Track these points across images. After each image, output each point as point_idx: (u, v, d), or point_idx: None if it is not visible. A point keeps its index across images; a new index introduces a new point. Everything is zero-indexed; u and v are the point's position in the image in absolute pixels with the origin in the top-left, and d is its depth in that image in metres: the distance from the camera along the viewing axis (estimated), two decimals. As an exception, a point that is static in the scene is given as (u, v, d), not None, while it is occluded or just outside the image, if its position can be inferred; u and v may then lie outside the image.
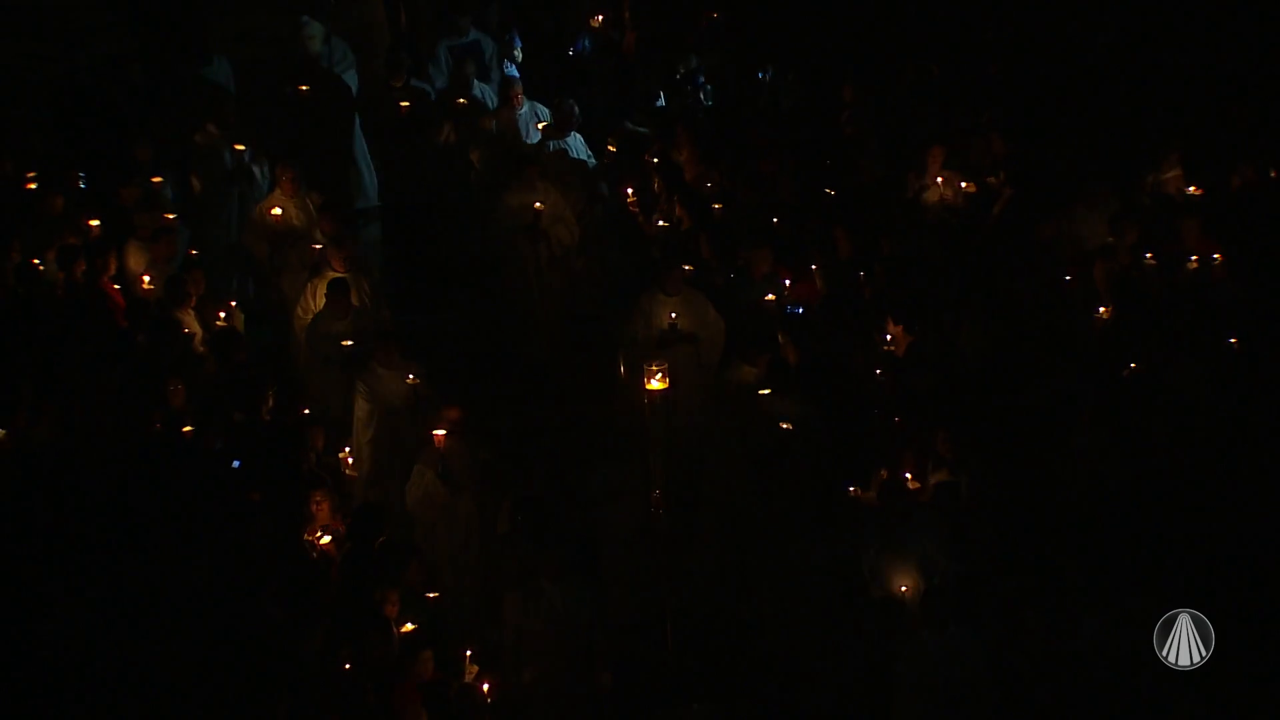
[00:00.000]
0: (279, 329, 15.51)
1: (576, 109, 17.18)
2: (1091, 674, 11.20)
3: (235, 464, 12.74)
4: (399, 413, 13.70)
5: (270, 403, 13.47)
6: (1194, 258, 14.58)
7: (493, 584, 12.82)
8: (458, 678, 11.51)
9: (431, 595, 12.17)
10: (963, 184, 16.09)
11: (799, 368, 13.85)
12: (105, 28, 18.06)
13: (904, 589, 12.03)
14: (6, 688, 11.06)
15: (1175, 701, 10.95)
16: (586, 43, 19.32)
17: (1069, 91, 17.84)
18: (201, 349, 14.17)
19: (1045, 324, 14.28)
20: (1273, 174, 15.81)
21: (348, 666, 11.17)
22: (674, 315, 14.32)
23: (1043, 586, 11.62)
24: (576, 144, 17.08)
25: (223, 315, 14.52)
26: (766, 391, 13.52)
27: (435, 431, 13.06)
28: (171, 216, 15.57)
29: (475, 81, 17.76)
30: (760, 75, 18.78)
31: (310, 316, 14.77)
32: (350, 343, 14.18)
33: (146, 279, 14.75)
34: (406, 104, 17.33)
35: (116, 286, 14.71)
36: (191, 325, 14.29)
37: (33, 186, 15.34)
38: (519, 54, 18.86)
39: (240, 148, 16.25)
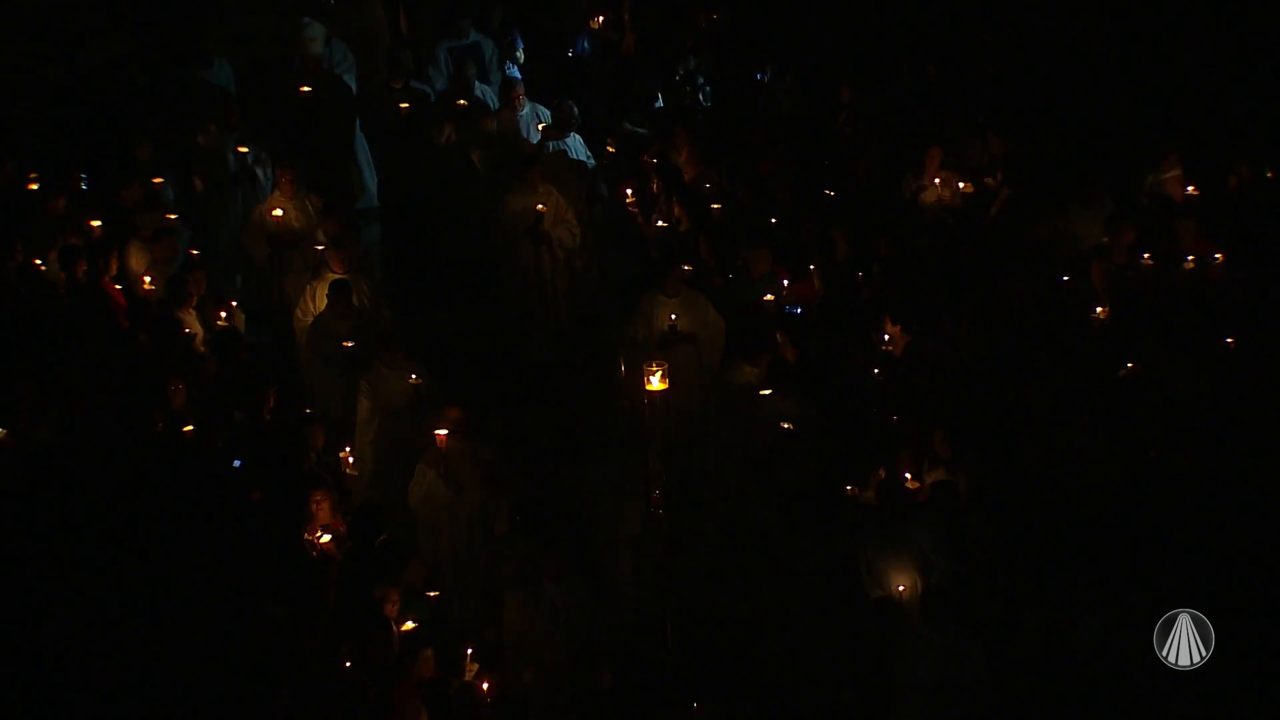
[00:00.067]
0: (279, 329, 15.53)
1: (576, 110, 17.20)
2: (1089, 673, 11.22)
3: (236, 463, 12.77)
4: (401, 412, 13.75)
5: (271, 402, 13.51)
6: (1190, 258, 14.64)
7: (494, 583, 12.84)
8: (458, 676, 11.52)
9: (432, 594, 12.21)
10: (960, 184, 16.13)
11: (797, 367, 13.90)
12: (107, 29, 18.05)
13: (901, 588, 12.07)
14: (9, 686, 11.10)
15: (1174, 701, 10.98)
16: (585, 44, 19.33)
17: (1066, 92, 17.86)
18: (203, 349, 14.20)
19: (1042, 324, 14.31)
20: (1269, 174, 15.86)
21: (348, 665, 11.18)
22: (674, 316, 14.36)
23: (1040, 586, 11.64)
24: (576, 145, 17.09)
25: (224, 315, 14.56)
26: (768, 392, 13.58)
27: (437, 431, 13.11)
28: (173, 217, 15.61)
29: (476, 83, 17.79)
30: (758, 76, 18.78)
31: (310, 318, 14.80)
32: (351, 343, 14.23)
33: (148, 279, 14.77)
34: (406, 105, 17.36)
35: (118, 287, 14.72)
36: (193, 325, 14.32)
37: (34, 187, 15.35)
38: (521, 55, 18.87)
39: (244, 149, 16.31)
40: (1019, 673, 11.37)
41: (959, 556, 12.15)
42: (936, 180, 16.13)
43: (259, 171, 16.35)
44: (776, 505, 12.62)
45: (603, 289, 16.44)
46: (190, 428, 12.98)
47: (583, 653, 12.22)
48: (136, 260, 15.05)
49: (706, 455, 14.15)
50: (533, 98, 17.54)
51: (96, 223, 15.08)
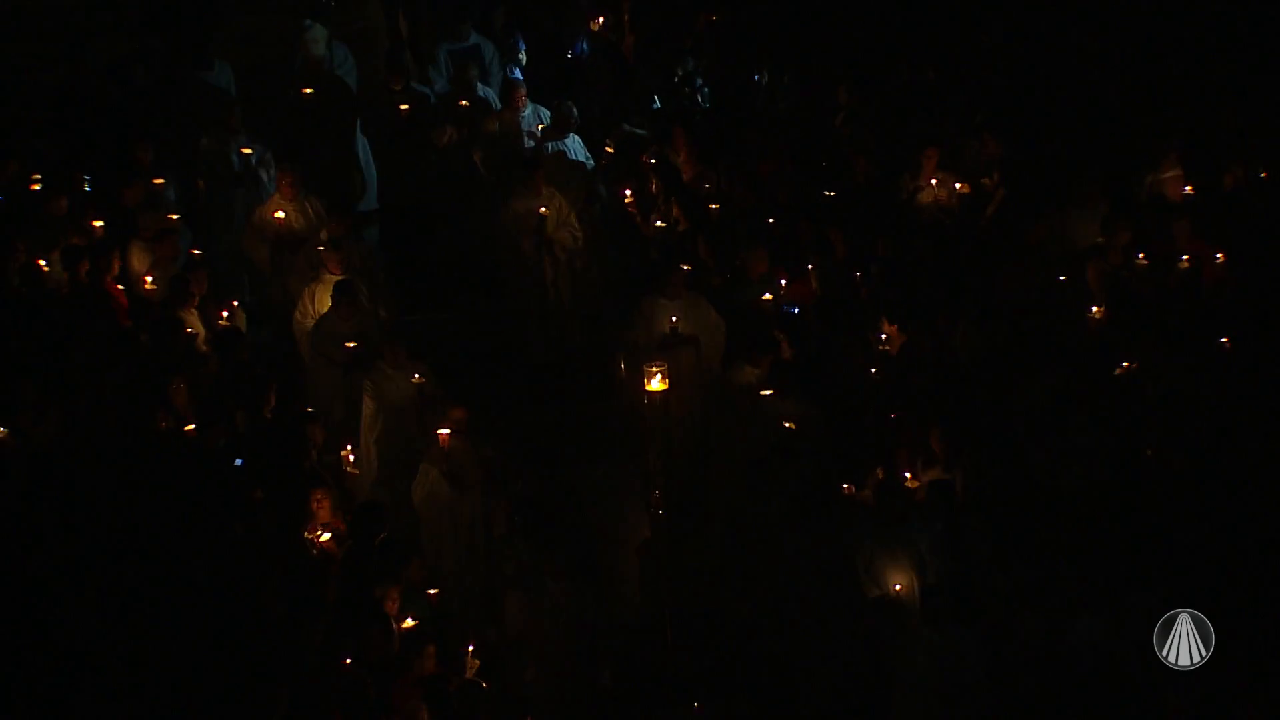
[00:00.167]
0: (280, 330, 15.57)
1: (575, 111, 17.24)
2: (1087, 672, 11.23)
3: (238, 462, 12.81)
4: (405, 412, 13.80)
5: (272, 402, 13.56)
6: (1185, 257, 14.69)
7: (496, 582, 12.86)
8: (459, 673, 11.54)
9: (432, 592, 12.25)
10: (957, 185, 16.17)
11: (794, 367, 13.94)
12: (109, 30, 18.05)
13: (898, 588, 12.10)
14: (11, 686, 11.12)
15: (1173, 701, 11.00)
16: (584, 45, 19.36)
17: (1062, 93, 17.91)
18: (204, 348, 14.24)
19: (1038, 323, 14.34)
20: (1263, 175, 15.90)
21: (348, 662, 11.19)
22: (675, 319, 14.41)
23: (1037, 585, 11.64)
24: (575, 145, 17.14)
25: (225, 315, 14.60)
26: (768, 392, 13.63)
27: (440, 431, 13.18)
28: (174, 217, 15.65)
29: (478, 84, 17.83)
30: (756, 78, 18.83)
31: (309, 320, 14.84)
32: (354, 344, 14.29)
33: (149, 279, 14.81)
34: (406, 107, 17.41)
35: (120, 287, 14.75)
36: (194, 325, 14.35)
37: (37, 188, 15.36)
38: (523, 57, 18.91)
39: (248, 151, 16.35)
40: (1017, 672, 11.36)
41: (956, 556, 12.17)
42: (933, 181, 16.17)
43: (262, 173, 16.39)
44: (777, 505, 12.64)
45: (603, 289, 16.46)
46: (192, 427, 13.01)
47: (584, 652, 12.24)
48: (138, 260, 15.07)
49: (707, 455, 14.20)
50: (533, 99, 17.58)
51: (99, 223, 15.10)
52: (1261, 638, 11.34)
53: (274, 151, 16.49)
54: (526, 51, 18.99)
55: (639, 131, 17.81)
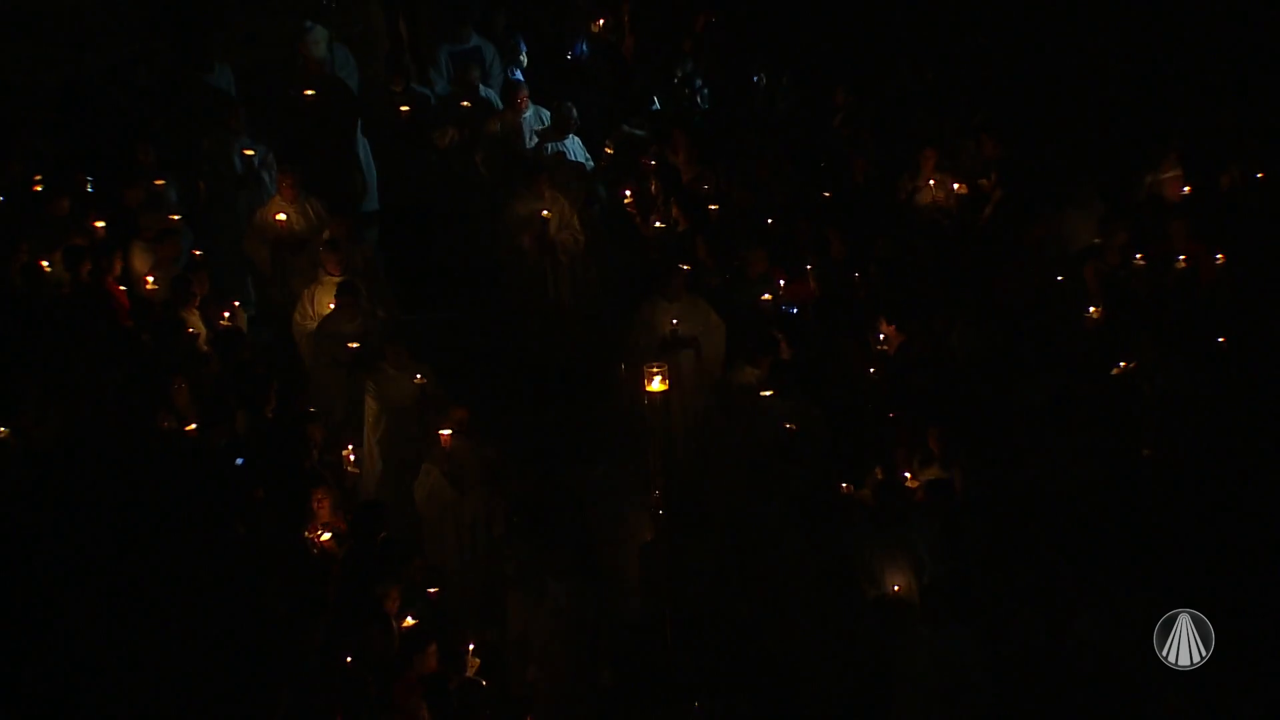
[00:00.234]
0: (281, 330, 15.60)
1: (575, 112, 17.27)
2: (1086, 672, 11.24)
3: (239, 462, 12.85)
4: (407, 412, 13.84)
5: (273, 402, 13.59)
6: (1182, 258, 14.73)
7: (497, 582, 12.88)
8: (459, 673, 11.55)
9: (432, 591, 12.28)
10: (954, 186, 16.22)
11: (794, 367, 13.97)
12: (111, 31, 18.07)
13: (897, 587, 12.12)
14: (13, 685, 11.15)
15: (1173, 701, 11.01)
16: (584, 46, 19.39)
17: (1060, 94, 17.94)
18: (205, 348, 14.27)
19: (1036, 324, 14.39)
20: (1260, 175, 15.94)
21: (349, 661, 11.22)
22: (675, 321, 14.44)
23: (1036, 584, 11.67)
24: (574, 146, 17.17)
25: (226, 315, 14.64)
26: (769, 393, 13.66)
27: (442, 431, 13.21)
28: (176, 218, 15.68)
29: (480, 85, 17.86)
30: (755, 79, 18.86)
31: (309, 322, 14.87)
32: (356, 345, 14.32)
33: (151, 279, 14.84)
34: (407, 108, 17.43)
35: (122, 287, 14.78)
36: (196, 325, 14.38)
37: (39, 188, 15.39)
38: (525, 59, 18.93)
39: (249, 152, 16.38)
40: (1017, 672, 11.37)
41: (953, 555, 12.19)
42: (931, 181, 16.22)
43: (264, 174, 16.41)
44: (777, 505, 12.66)
45: (602, 289, 16.50)
46: (193, 426, 13.04)
47: (584, 651, 12.26)
48: (140, 260, 15.10)
49: (707, 456, 14.22)
50: (533, 100, 17.60)
51: (101, 223, 15.13)
52: (1261, 638, 11.37)
53: (275, 153, 16.51)
54: (527, 53, 19.01)
55: (638, 132, 17.82)
